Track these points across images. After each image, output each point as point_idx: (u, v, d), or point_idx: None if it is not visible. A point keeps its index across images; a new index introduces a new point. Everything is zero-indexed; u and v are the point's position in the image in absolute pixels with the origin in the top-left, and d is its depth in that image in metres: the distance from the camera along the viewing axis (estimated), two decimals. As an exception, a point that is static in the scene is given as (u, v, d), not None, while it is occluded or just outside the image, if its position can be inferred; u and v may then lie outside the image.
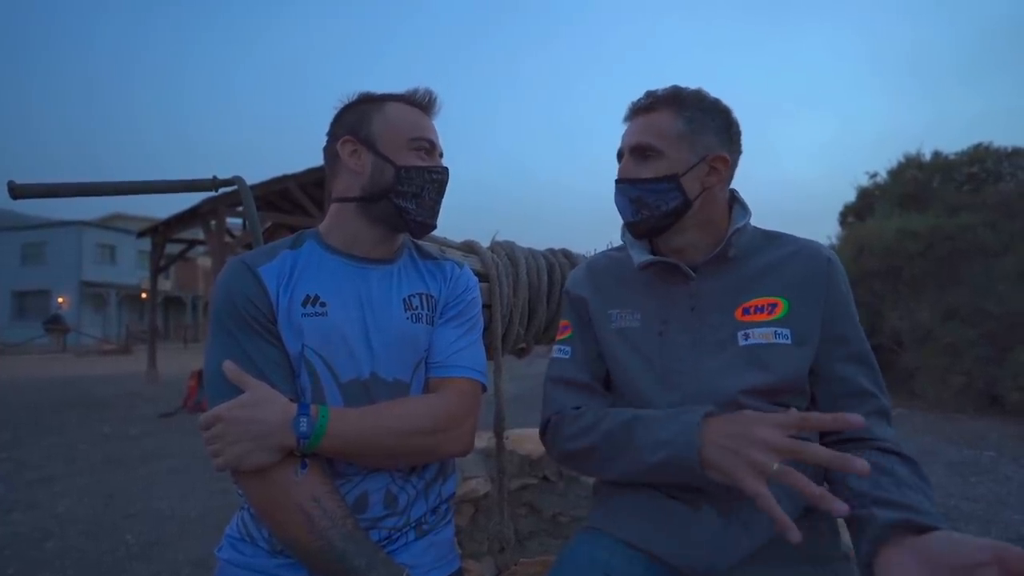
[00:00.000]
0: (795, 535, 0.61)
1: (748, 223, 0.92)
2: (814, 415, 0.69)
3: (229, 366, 0.79)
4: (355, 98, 0.95)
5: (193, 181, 1.38)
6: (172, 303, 30.17)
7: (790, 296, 0.86)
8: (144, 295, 25.92)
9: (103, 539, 2.89)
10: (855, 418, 0.64)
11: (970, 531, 2.88)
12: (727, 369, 0.85)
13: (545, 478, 2.20)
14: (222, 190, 1.44)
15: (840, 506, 0.61)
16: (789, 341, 0.84)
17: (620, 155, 0.94)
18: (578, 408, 0.95)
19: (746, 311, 0.87)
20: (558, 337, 1.04)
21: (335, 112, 0.96)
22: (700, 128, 0.88)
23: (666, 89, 0.91)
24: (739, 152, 0.93)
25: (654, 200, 0.89)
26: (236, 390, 0.78)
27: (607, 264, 1.03)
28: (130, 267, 29.09)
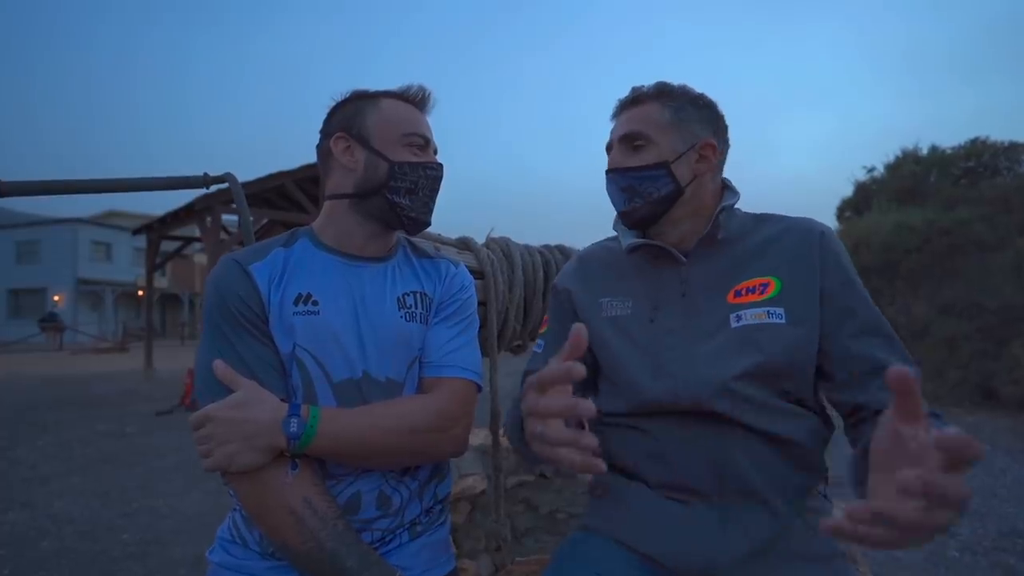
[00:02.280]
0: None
1: (736, 205, 0.91)
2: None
3: (219, 366, 0.78)
4: (348, 95, 0.94)
5: (184, 178, 1.37)
6: (168, 300, 30.08)
7: (782, 274, 0.85)
8: (140, 292, 25.81)
9: (99, 538, 2.88)
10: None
11: (965, 525, 2.89)
12: (719, 354, 0.83)
13: (542, 475, 2.20)
14: (214, 187, 1.43)
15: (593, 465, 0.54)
16: (783, 320, 0.82)
17: (609, 148, 0.95)
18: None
19: (738, 293, 0.86)
20: (539, 331, 1.04)
21: (328, 109, 0.95)
22: (687, 118, 0.88)
23: (652, 84, 0.92)
24: (727, 145, 0.93)
25: (645, 187, 0.89)
26: (227, 390, 0.77)
27: (599, 254, 1.03)
28: (126, 264, 28.97)
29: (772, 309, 0.83)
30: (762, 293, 0.84)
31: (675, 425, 0.85)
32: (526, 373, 1.00)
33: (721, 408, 0.81)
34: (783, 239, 0.88)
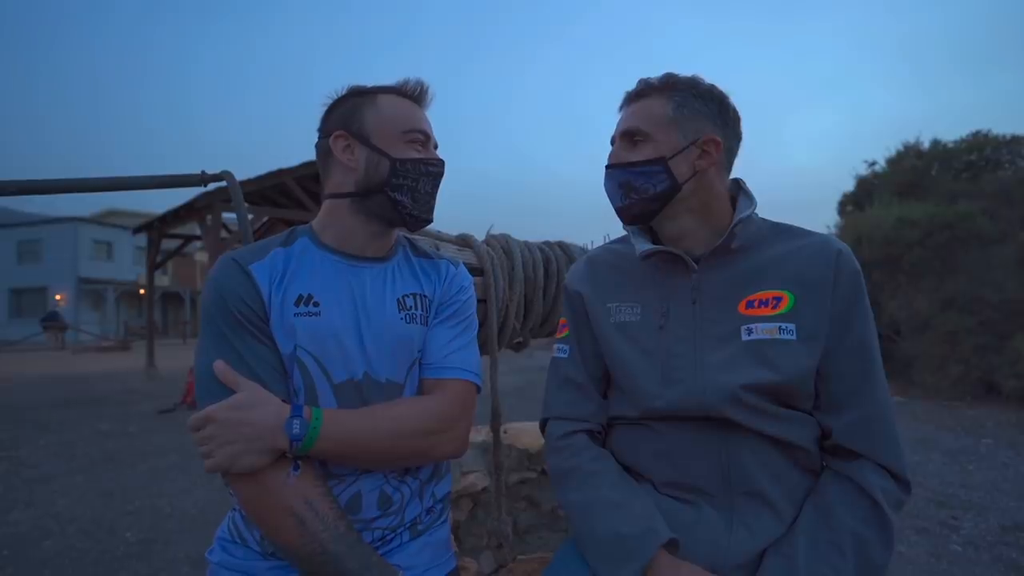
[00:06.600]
0: None
1: (754, 214, 0.89)
2: None
3: (220, 366, 0.78)
4: (345, 92, 0.92)
5: (182, 176, 1.36)
6: (170, 299, 30.10)
7: (796, 290, 0.83)
8: (142, 291, 25.84)
9: (102, 537, 2.88)
10: None
11: (968, 519, 2.89)
12: (729, 364, 0.82)
13: (544, 471, 2.19)
14: (213, 185, 1.42)
15: None
16: (794, 337, 0.81)
17: (613, 142, 0.94)
18: (567, 434, 0.94)
19: (750, 304, 0.85)
20: (557, 335, 1.03)
21: (324, 107, 0.93)
22: (691, 112, 0.87)
23: (660, 76, 0.90)
24: (737, 138, 0.91)
25: (641, 183, 0.88)
26: (227, 391, 0.77)
27: (608, 257, 1.01)
28: (127, 263, 29.00)
29: (784, 325, 0.82)
30: (775, 307, 0.83)
31: (682, 427, 0.85)
32: (551, 379, 1.00)
33: (728, 414, 0.81)
34: (800, 254, 0.86)
